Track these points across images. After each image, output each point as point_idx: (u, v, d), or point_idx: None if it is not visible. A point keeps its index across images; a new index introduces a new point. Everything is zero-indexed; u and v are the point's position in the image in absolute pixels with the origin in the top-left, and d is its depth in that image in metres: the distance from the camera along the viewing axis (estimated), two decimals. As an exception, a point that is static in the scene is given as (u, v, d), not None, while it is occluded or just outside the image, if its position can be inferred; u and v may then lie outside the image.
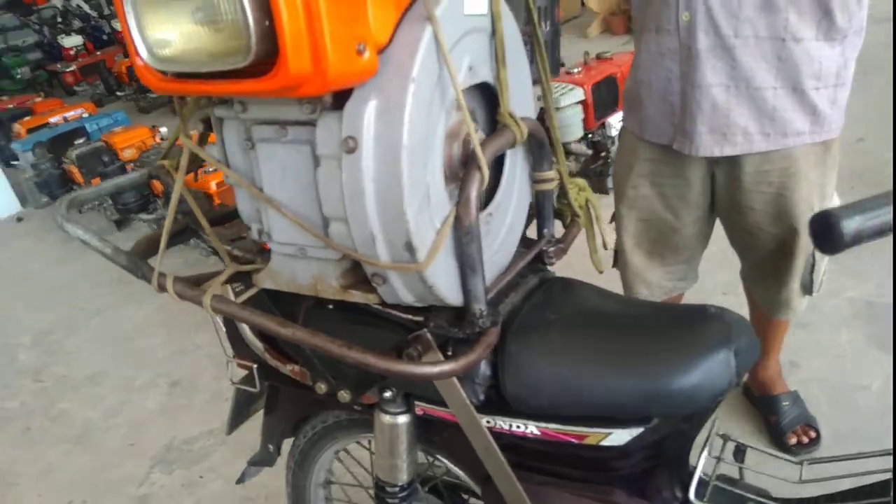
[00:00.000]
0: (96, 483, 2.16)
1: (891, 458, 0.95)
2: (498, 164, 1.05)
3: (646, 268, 1.76)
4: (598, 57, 3.22)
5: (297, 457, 1.41)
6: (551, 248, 1.16)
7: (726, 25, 1.37)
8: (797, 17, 1.35)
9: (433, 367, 0.87)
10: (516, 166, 1.09)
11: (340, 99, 0.80)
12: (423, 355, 0.95)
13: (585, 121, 3.08)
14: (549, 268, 1.20)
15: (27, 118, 5.39)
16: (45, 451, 2.39)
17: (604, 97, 3.11)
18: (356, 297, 0.93)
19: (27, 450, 2.42)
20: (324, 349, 0.88)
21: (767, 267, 1.63)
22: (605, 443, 0.97)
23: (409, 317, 0.98)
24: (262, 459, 1.41)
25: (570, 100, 2.99)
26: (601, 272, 1.29)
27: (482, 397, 1.00)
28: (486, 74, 0.95)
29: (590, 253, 1.26)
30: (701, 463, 1.02)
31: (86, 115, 5.24)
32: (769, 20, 1.36)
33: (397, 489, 1.17)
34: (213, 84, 0.76)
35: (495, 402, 1.00)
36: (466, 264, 0.90)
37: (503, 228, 1.07)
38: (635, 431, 0.95)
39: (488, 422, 1.02)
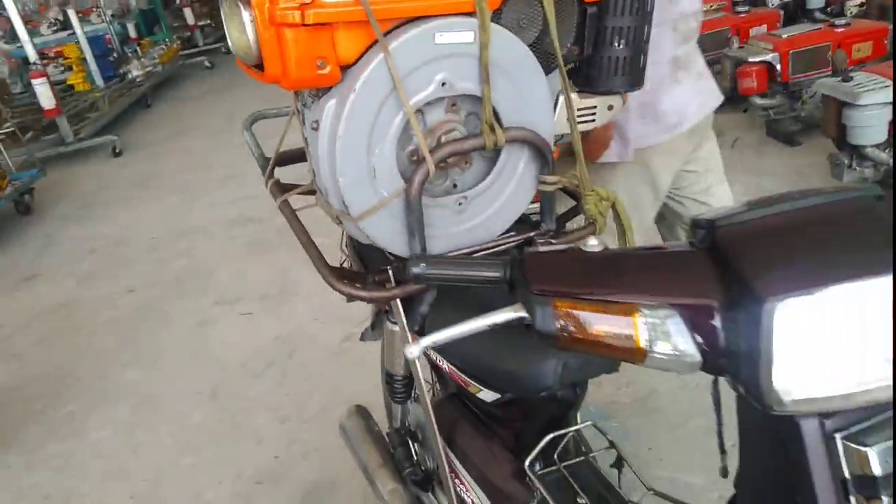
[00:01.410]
0: (336, 315, 2.93)
1: None
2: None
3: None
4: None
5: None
6: (541, 239, 1.35)
7: None
8: None
9: (349, 288, 1.23)
10: (517, 165, 1.29)
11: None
12: (383, 283, 1.30)
13: (894, 125, 2.68)
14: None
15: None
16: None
17: (932, 102, 2.64)
18: (346, 230, 1.31)
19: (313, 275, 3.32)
20: (304, 248, 1.29)
21: None
22: (480, 395, 1.23)
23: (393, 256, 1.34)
24: (367, 335, 1.89)
25: (876, 98, 2.63)
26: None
27: (416, 328, 1.32)
28: (471, 88, 1.18)
29: None
30: (557, 442, 1.20)
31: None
32: None
33: (398, 378, 1.57)
34: (250, 69, 1.19)
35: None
36: (407, 228, 1.21)
37: (487, 212, 1.31)
38: (495, 396, 1.19)
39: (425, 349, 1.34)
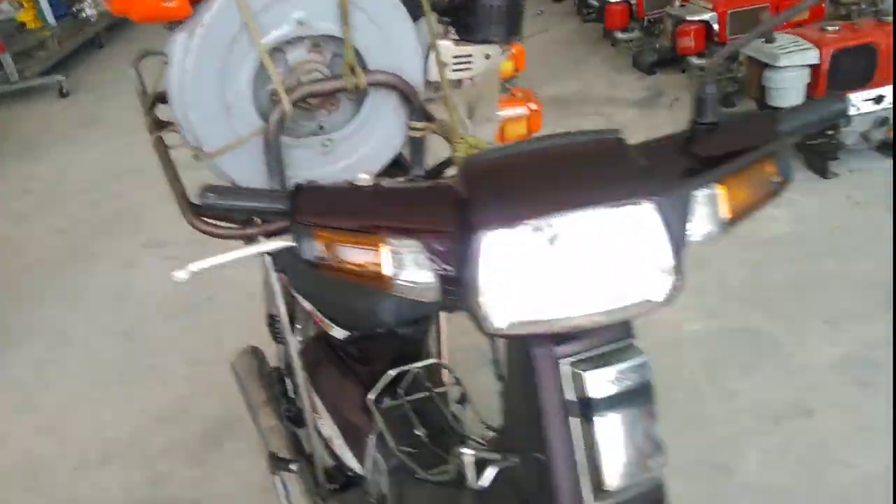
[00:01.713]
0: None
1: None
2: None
3: None
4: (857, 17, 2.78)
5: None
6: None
7: None
8: None
9: (205, 225, 1.24)
10: (385, 110, 1.29)
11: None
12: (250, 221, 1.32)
13: (813, 89, 2.72)
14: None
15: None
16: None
17: (850, 68, 2.68)
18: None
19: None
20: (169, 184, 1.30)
21: None
22: (333, 333, 1.26)
23: None
24: None
25: (795, 60, 2.66)
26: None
27: (280, 266, 1.34)
28: (331, 29, 1.18)
29: None
30: (404, 378, 1.24)
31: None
32: None
33: (278, 318, 1.60)
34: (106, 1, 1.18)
35: None
36: (267, 167, 1.22)
37: (355, 155, 1.31)
38: (345, 333, 1.23)
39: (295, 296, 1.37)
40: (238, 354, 1.85)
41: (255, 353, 1.86)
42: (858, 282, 2.33)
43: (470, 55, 1.37)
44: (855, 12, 2.90)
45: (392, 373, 1.22)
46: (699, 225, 0.70)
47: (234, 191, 0.85)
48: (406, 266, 0.68)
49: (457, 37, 1.34)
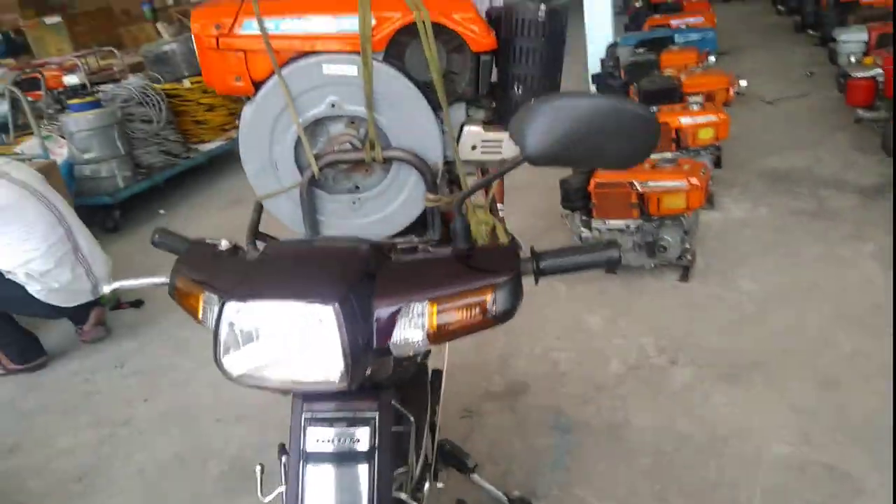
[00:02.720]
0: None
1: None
2: None
3: None
4: None
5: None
6: (421, 247, 1.57)
7: None
8: None
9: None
10: (406, 181, 1.51)
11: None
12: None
13: None
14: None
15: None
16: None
17: None
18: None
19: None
20: None
21: None
22: None
23: None
24: None
25: None
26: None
27: None
28: (359, 111, 1.43)
29: None
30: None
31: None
32: None
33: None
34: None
35: None
36: (303, 212, 1.52)
37: (379, 214, 1.55)
38: None
39: None
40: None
41: None
42: None
43: (500, 140, 1.52)
44: None
45: None
46: (404, 332, 0.85)
47: (169, 234, 1.17)
48: (209, 314, 0.94)
49: (490, 121, 1.50)
